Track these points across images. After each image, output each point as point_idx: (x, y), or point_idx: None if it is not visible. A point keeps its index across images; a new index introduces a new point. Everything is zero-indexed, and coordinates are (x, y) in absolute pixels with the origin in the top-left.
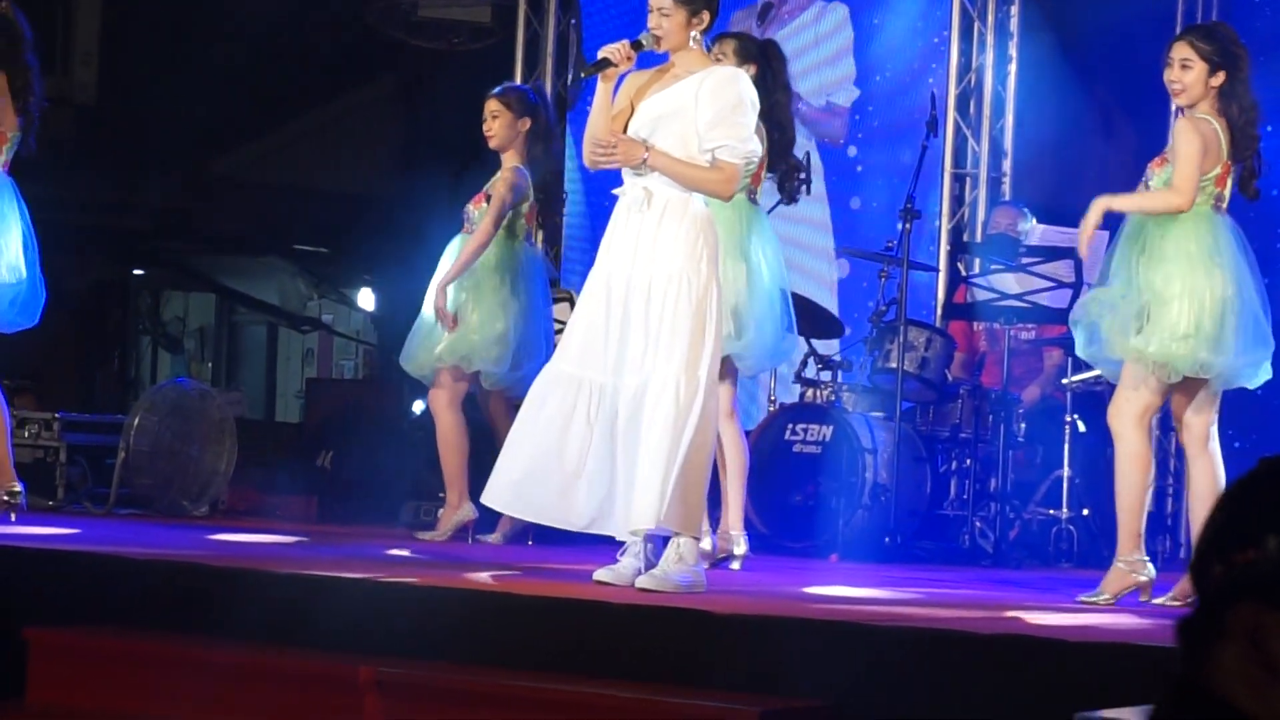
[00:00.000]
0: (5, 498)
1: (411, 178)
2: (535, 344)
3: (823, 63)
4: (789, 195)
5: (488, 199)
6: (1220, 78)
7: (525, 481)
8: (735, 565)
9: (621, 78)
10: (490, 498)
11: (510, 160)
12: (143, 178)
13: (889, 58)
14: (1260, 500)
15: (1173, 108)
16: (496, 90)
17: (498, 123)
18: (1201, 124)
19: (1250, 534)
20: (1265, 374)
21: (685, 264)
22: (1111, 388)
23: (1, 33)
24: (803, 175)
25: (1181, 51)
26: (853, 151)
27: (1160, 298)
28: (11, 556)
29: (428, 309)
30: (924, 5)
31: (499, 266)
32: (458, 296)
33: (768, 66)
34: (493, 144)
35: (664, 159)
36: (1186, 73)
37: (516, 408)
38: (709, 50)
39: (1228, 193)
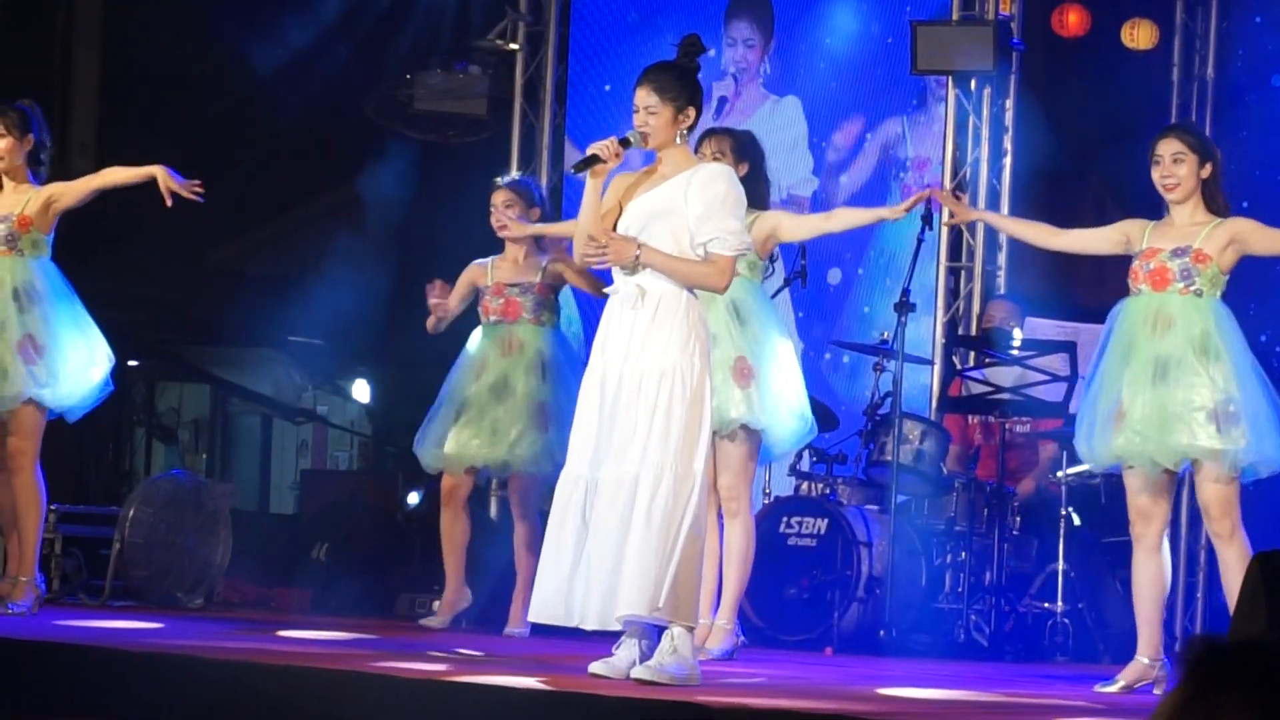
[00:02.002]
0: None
1: (406, 269)
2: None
3: (778, 155)
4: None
5: (541, 292)
6: (1208, 169)
7: (537, 586)
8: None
9: (609, 177)
10: (530, 610)
11: (522, 248)
12: (138, 269)
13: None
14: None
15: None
16: (505, 181)
17: (512, 213)
18: None
19: None
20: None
21: (679, 357)
22: (1109, 482)
23: (33, 129)
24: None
25: (1172, 146)
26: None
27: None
28: (7, 649)
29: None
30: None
31: (539, 355)
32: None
33: (761, 162)
34: (506, 234)
35: (656, 256)
36: (1179, 166)
37: None
38: (699, 146)
39: None
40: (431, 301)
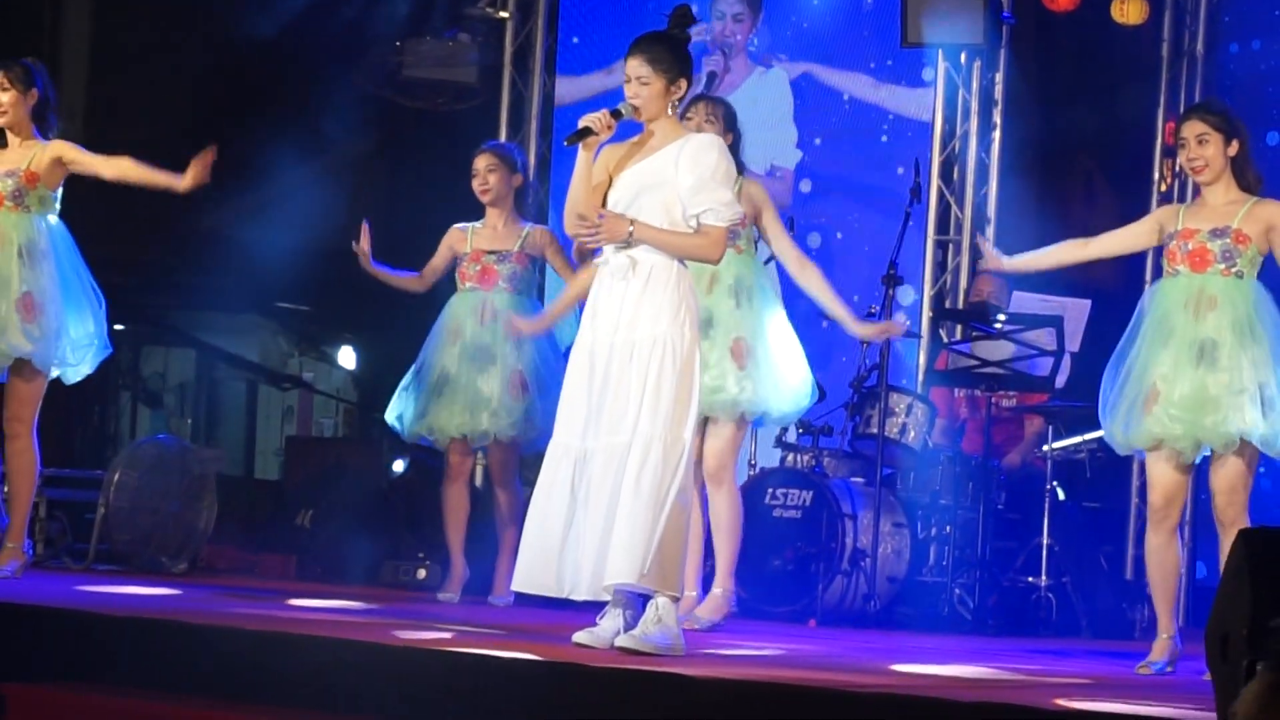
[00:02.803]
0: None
1: (393, 236)
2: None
3: (765, 127)
4: None
5: (519, 261)
6: (1235, 147)
7: (524, 556)
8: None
9: (599, 149)
10: (514, 580)
11: (502, 215)
12: (125, 233)
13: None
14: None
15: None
16: (488, 145)
17: (494, 177)
18: None
19: None
20: None
21: (670, 327)
22: (1094, 457)
23: (37, 84)
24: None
25: (1195, 128)
26: (806, 186)
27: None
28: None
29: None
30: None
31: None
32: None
33: (740, 134)
34: (487, 199)
35: (650, 231)
36: (1205, 147)
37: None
38: (687, 109)
39: None
40: (355, 248)
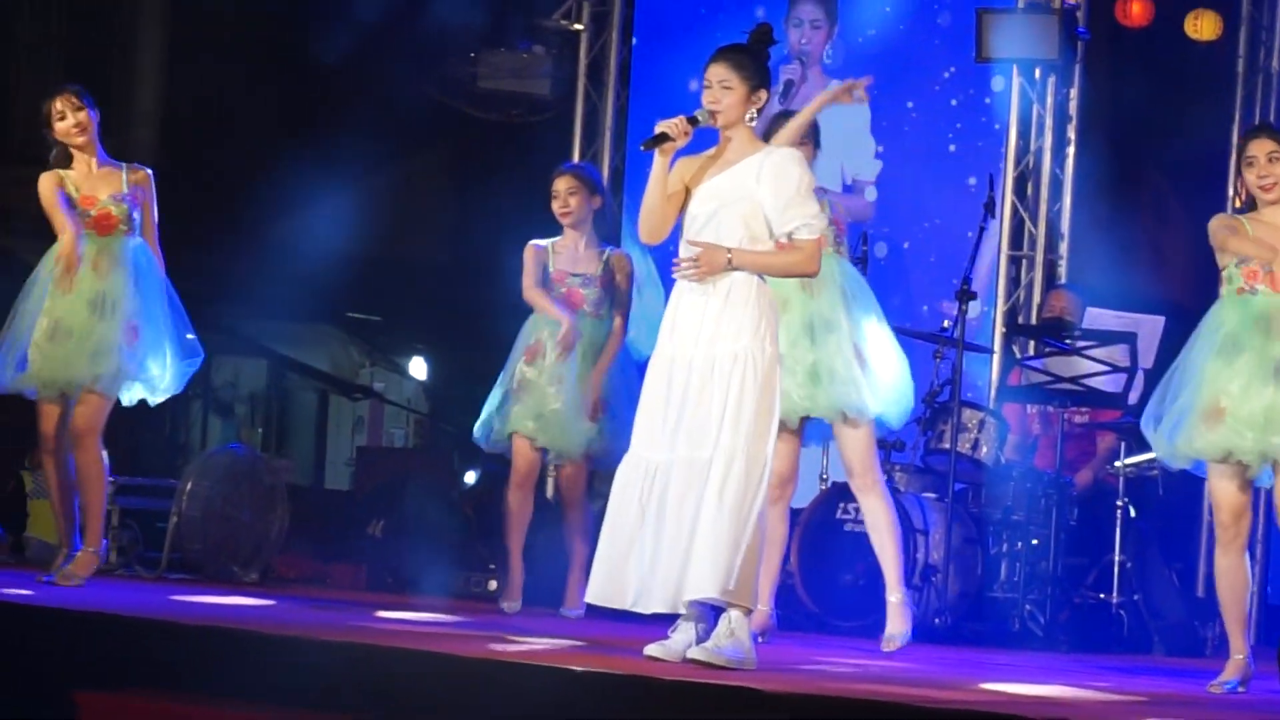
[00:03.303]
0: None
1: (466, 248)
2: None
3: (842, 141)
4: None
5: (603, 285)
6: None
7: (596, 567)
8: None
9: (675, 158)
10: (588, 592)
11: (582, 237)
12: (198, 242)
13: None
14: None
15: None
16: (568, 167)
17: (575, 199)
18: None
19: None
20: None
21: (751, 342)
22: (1167, 474)
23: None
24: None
25: (1266, 146)
26: (871, 195)
27: None
28: (62, 619)
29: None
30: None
31: (597, 345)
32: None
33: (818, 150)
34: (568, 221)
35: (747, 257)
36: (1277, 165)
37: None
38: (773, 124)
39: None
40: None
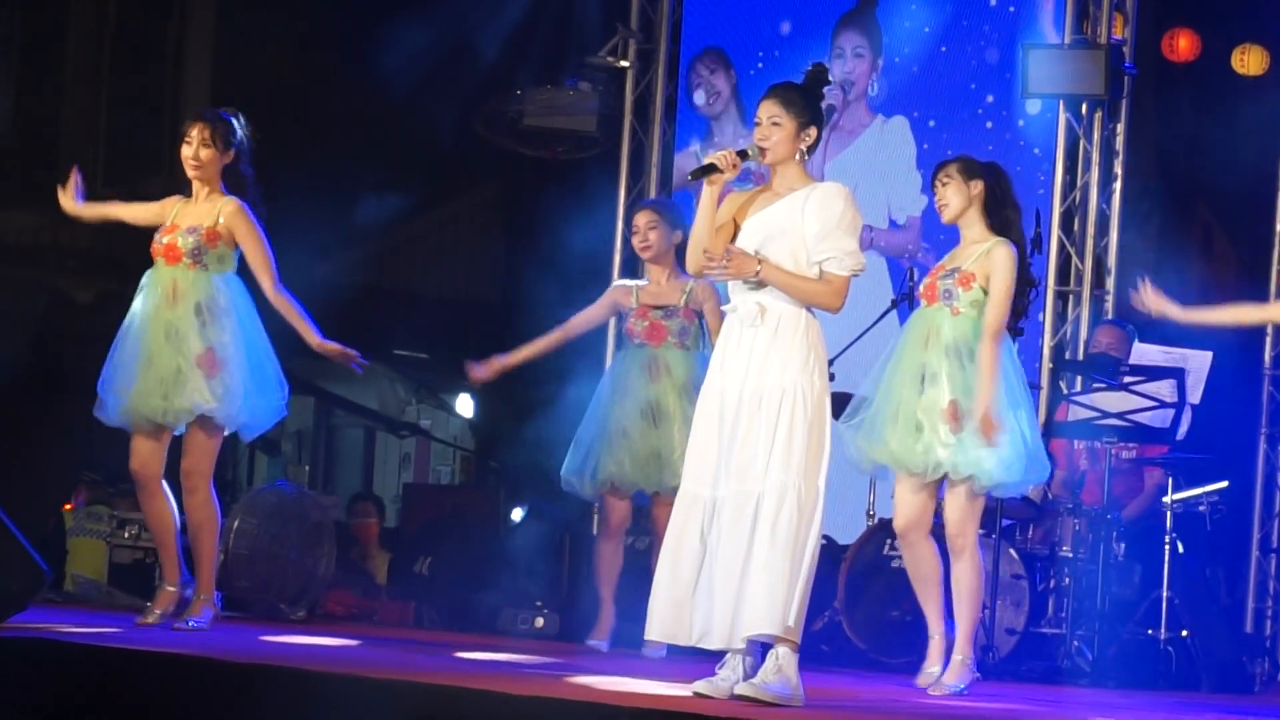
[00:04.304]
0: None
1: (512, 284)
2: None
3: (886, 177)
4: (1014, 333)
5: (685, 316)
6: None
7: (653, 604)
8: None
9: (724, 192)
10: (647, 629)
11: (665, 271)
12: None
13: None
14: None
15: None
16: (647, 202)
17: (655, 234)
18: None
19: None
20: None
21: (800, 376)
22: (1215, 509)
23: (234, 144)
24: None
25: None
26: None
27: None
28: (111, 657)
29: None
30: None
31: (686, 379)
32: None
33: (996, 184)
34: (648, 255)
35: (776, 272)
36: None
37: None
38: (933, 184)
39: None
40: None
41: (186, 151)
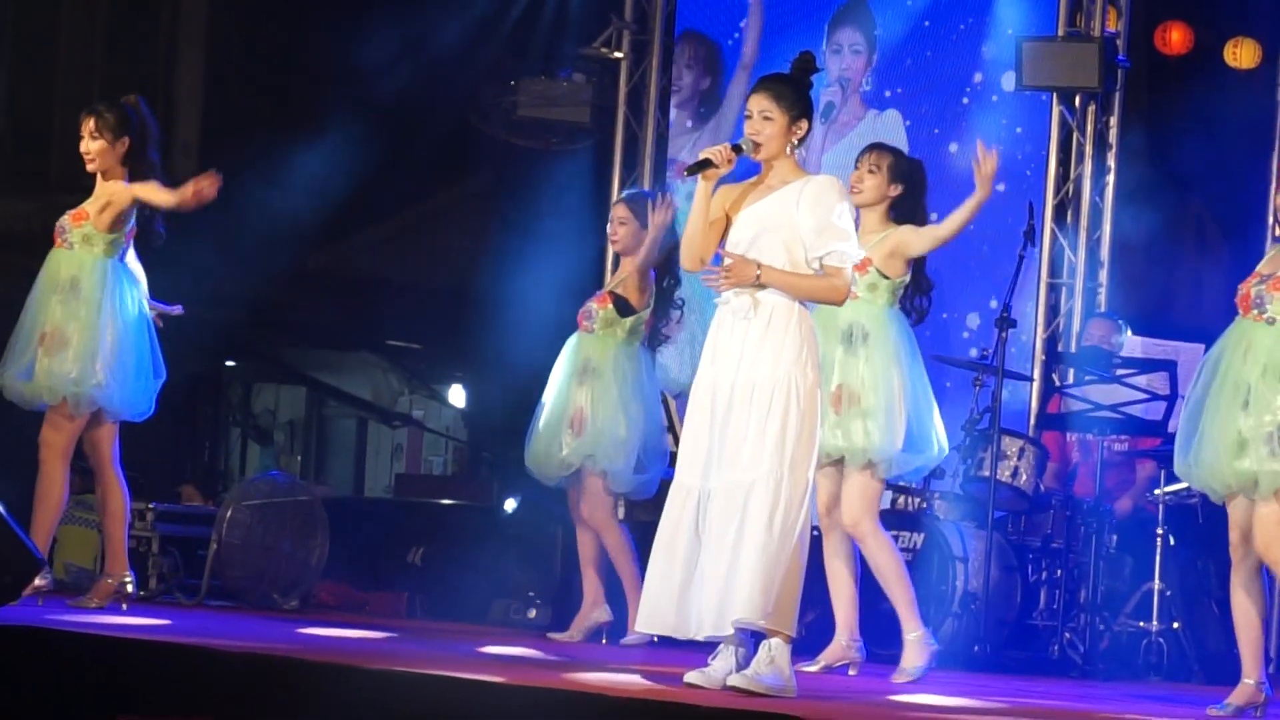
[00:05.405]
0: (117, 586)
1: (505, 275)
2: (657, 447)
3: None
4: (918, 314)
5: (614, 299)
6: None
7: (648, 597)
8: (853, 672)
9: (717, 186)
10: (638, 620)
11: (632, 265)
12: (237, 270)
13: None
14: None
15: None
16: (625, 195)
17: (624, 229)
18: None
19: None
20: None
21: (792, 368)
22: (1206, 502)
23: (130, 130)
24: (930, 296)
25: None
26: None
27: None
28: (105, 645)
29: (549, 413)
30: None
31: (619, 369)
32: (577, 397)
33: (920, 188)
34: (617, 248)
35: (777, 275)
36: None
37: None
38: (860, 159)
39: None
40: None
41: (80, 148)
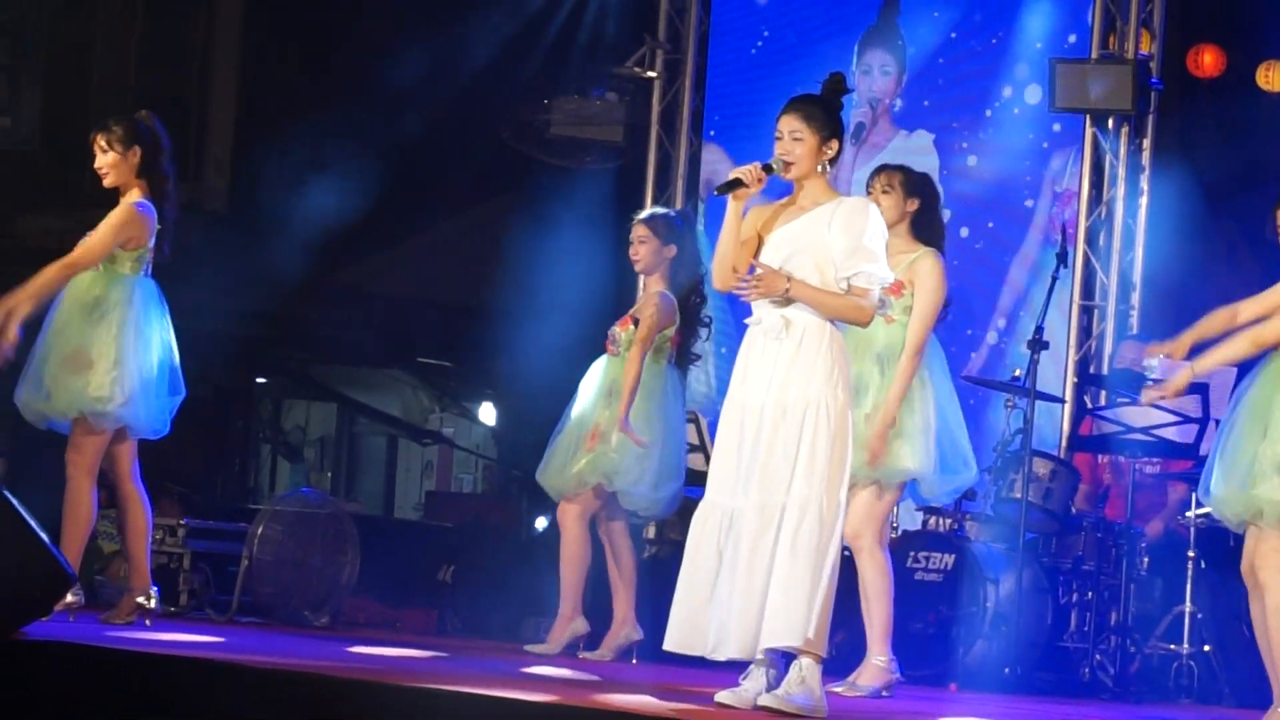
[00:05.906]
0: (140, 601)
1: (536, 294)
2: (676, 466)
3: None
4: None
5: (634, 322)
6: None
7: (672, 616)
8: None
9: (748, 206)
10: (667, 639)
11: (655, 285)
12: (269, 286)
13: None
14: None
15: None
16: (644, 216)
17: (644, 248)
18: None
19: None
20: None
21: (824, 388)
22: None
23: (141, 140)
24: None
25: None
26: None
27: None
28: (137, 661)
29: (567, 431)
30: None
31: (644, 387)
32: (598, 415)
33: (934, 201)
34: (639, 268)
35: (806, 289)
36: None
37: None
38: (871, 180)
39: None
40: None
41: (95, 164)
